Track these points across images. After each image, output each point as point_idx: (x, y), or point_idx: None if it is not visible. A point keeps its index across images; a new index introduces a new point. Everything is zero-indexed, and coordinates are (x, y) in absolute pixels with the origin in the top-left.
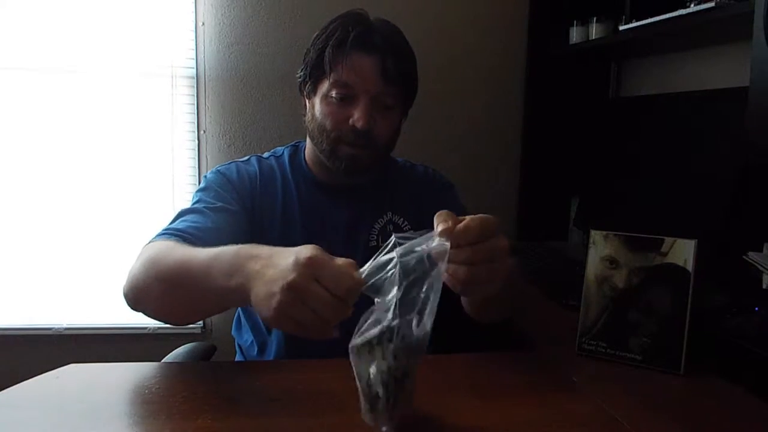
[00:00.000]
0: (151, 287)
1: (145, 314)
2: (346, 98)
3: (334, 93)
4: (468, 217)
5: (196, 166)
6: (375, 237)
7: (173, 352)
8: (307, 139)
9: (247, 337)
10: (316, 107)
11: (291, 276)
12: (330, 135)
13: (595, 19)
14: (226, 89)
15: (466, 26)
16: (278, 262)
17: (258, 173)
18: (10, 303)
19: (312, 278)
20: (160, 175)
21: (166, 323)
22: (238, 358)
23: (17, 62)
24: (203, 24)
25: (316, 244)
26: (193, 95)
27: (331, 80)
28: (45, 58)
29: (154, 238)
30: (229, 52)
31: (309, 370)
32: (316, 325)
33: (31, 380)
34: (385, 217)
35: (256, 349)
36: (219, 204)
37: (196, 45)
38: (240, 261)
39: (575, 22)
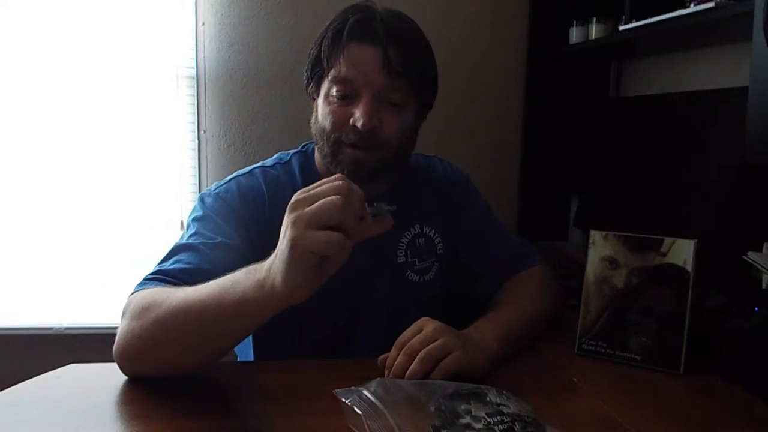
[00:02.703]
0: (152, 337)
1: (148, 374)
2: (347, 96)
3: (334, 90)
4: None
5: (197, 166)
6: (403, 251)
7: None
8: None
9: (247, 351)
10: (319, 108)
11: (289, 220)
12: (330, 137)
13: (595, 19)
14: (226, 89)
15: (465, 26)
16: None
17: (264, 189)
18: (10, 303)
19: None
20: (160, 175)
21: (170, 374)
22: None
23: (17, 62)
24: (203, 24)
25: None
26: (193, 95)
27: (330, 77)
28: (45, 58)
29: (142, 282)
30: (229, 52)
31: (309, 370)
32: (339, 235)
33: (31, 380)
34: (413, 229)
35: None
36: (219, 239)
37: (196, 45)
38: (249, 269)
39: (575, 22)
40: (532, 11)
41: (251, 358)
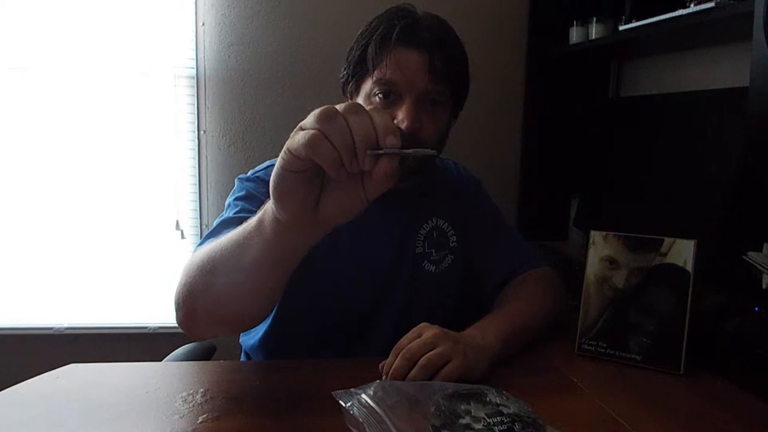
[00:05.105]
0: (195, 283)
1: (204, 327)
2: (390, 97)
3: (377, 91)
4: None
5: (196, 166)
6: (421, 243)
7: (173, 352)
8: None
9: (255, 333)
10: None
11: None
12: None
13: (595, 19)
14: (226, 89)
15: (465, 26)
16: None
17: None
18: (10, 303)
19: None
20: (160, 175)
21: (225, 327)
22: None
23: (17, 63)
24: (203, 24)
25: (365, 254)
26: (193, 95)
27: (374, 78)
28: (45, 59)
29: (195, 249)
30: (229, 52)
31: (309, 370)
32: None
33: (31, 380)
34: (430, 222)
35: (262, 345)
36: None
37: (196, 45)
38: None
39: (575, 22)
40: (532, 11)
41: (260, 349)
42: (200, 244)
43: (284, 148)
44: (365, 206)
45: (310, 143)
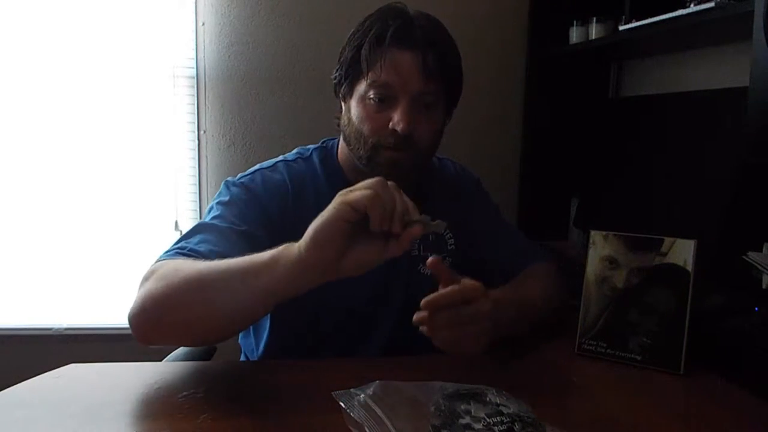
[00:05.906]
0: (177, 294)
1: (160, 338)
2: (384, 99)
3: (371, 94)
4: (449, 288)
5: (196, 167)
6: (416, 245)
7: (173, 352)
8: (341, 143)
9: (252, 339)
10: (353, 110)
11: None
12: (368, 141)
13: (595, 19)
14: (226, 89)
15: (465, 26)
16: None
17: (288, 183)
18: (10, 303)
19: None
20: (160, 175)
21: (186, 341)
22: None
23: (17, 62)
24: (203, 24)
25: None
26: (193, 95)
27: (368, 80)
28: (45, 58)
29: (165, 254)
30: (229, 52)
31: (309, 370)
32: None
33: (31, 380)
34: None
35: (262, 345)
36: (244, 228)
37: (196, 45)
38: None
39: (575, 22)
40: (532, 11)
41: (260, 350)
42: (170, 250)
43: (339, 201)
44: (380, 263)
45: (371, 198)
